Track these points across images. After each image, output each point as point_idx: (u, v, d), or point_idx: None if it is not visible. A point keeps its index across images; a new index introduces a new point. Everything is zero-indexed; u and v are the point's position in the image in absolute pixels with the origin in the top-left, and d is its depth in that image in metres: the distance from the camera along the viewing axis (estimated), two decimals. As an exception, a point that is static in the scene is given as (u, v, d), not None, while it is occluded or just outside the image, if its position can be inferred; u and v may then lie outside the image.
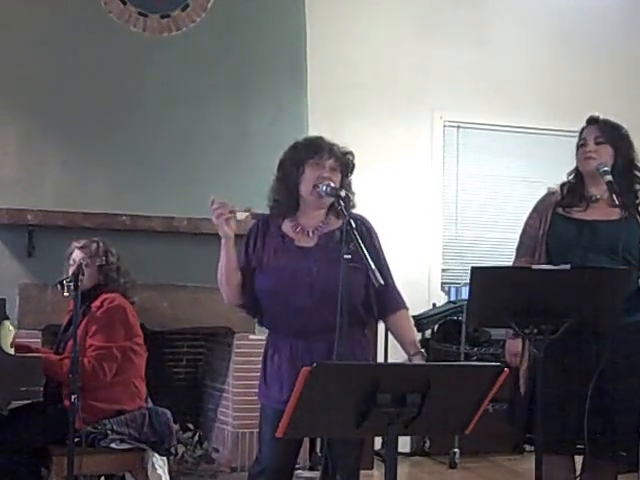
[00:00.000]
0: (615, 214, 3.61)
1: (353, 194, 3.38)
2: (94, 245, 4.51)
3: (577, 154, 3.73)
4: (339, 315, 2.98)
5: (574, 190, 3.72)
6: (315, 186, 3.28)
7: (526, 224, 3.82)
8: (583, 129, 3.75)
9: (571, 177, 3.78)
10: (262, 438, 3.42)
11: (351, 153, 3.42)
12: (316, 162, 3.30)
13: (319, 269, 3.24)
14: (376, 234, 3.43)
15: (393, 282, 3.41)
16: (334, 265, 3.10)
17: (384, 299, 3.34)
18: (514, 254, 3.87)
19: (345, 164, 3.38)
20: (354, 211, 3.32)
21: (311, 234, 3.35)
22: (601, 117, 3.73)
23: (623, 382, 3.53)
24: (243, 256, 3.41)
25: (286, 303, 3.25)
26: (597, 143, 3.66)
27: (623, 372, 3.54)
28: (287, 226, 3.39)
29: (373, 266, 3.00)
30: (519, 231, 3.90)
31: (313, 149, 3.33)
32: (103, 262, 4.47)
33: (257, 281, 3.35)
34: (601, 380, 3.49)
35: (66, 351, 4.40)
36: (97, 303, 4.38)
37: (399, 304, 3.42)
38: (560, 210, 3.70)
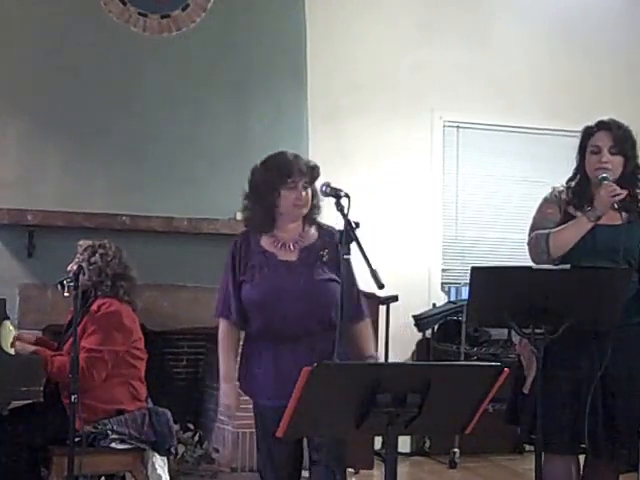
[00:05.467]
0: (616, 219, 3.59)
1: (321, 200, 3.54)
2: (84, 246, 4.50)
3: (587, 159, 3.67)
4: (339, 316, 3.12)
5: (581, 193, 3.69)
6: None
7: (544, 212, 3.71)
8: (591, 131, 3.68)
9: (575, 181, 3.74)
10: (262, 437, 3.54)
11: (316, 166, 3.55)
12: (290, 186, 3.47)
13: (305, 282, 3.43)
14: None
15: (359, 293, 3.56)
16: (315, 278, 3.40)
17: (350, 309, 3.42)
18: (528, 234, 3.72)
19: (313, 178, 3.52)
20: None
21: (292, 248, 3.52)
22: (613, 122, 3.66)
23: (624, 382, 3.53)
24: (231, 273, 3.55)
25: (273, 313, 3.43)
26: (612, 154, 3.62)
27: (624, 372, 3.54)
28: (266, 241, 3.54)
29: (374, 267, 3.05)
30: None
31: (286, 173, 3.47)
32: (81, 263, 4.41)
33: (245, 294, 3.50)
34: (602, 380, 3.49)
35: (64, 350, 4.41)
36: (94, 307, 4.37)
37: (362, 314, 3.58)
38: (571, 210, 3.67)
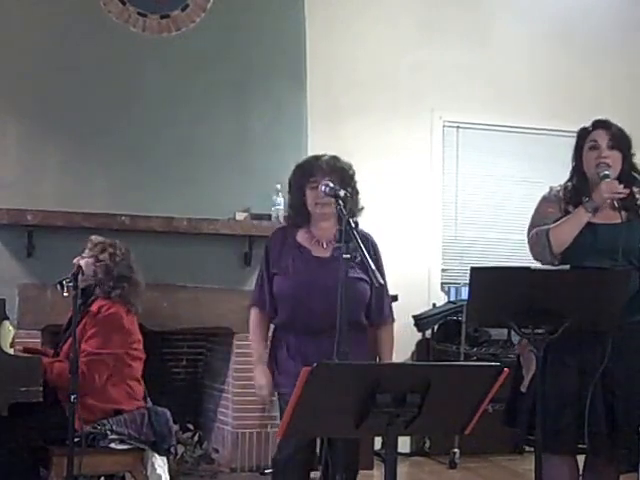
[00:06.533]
0: (616, 218, 3.60)
1: (358, 201, 3.65)
2: (95, 241, 4.51)
3: (584, 157, 3.67)
4: (339, 316, 3.17)
5: (579, 193, 3.68)
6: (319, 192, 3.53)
7: (544, 210, 3.71)
8: (589, 131, 3.69)
9: (572, 181, 3.74)
10: None
11: (345, 168, 3.67)
12: (312, 185, 3.60)
13: (335, 278, 3.41)
14: (379, 251, 3.70)
15: (389, 298, 3.73)
16: (347, 274, 3.38)
17: (377, 311, 3.68)
18: (527, 233, 3.72)
19: (341, 177, 3.61)
20: (361, 225, 3.48)
21: (325, 245, 3.66)
22: (609, 121, 3.67)
23: (624, 381, 3.53)
24: (265, 265, 3.72)
25: (301, 306, 3.56)
26: (609, 148, 3.62)
27: (625, 371, 3.54)
28: (302, 237, 3.69)
29: (373, 266, 3.17)
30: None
31: (309, 173, 3.64)
32: (88, 255, 4.43)
33: (277, 285, 3.64)
34: (603, 379, 3.50)
35: (61, 354, 4.41)
36: (94, 308, 4.36)
37: (386, 318, 3.76)
38: (571, 209, 3.67)
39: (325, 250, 3.65)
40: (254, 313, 3.75)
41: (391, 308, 3.79)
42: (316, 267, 3.60)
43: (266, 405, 3.75)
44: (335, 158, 3.69)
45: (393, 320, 3.80)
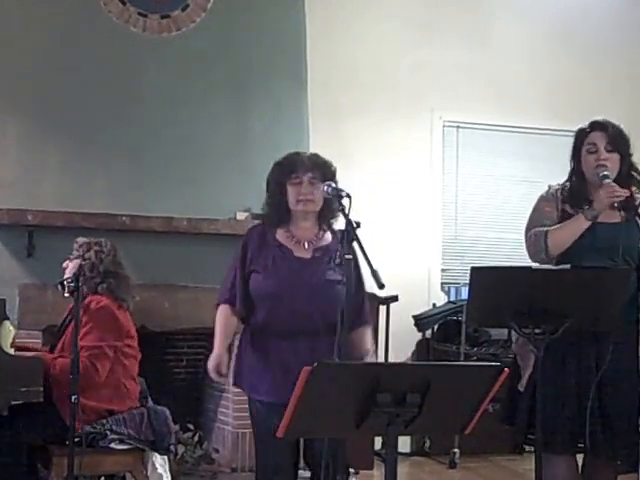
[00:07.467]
0: (615, 217, 3.61)
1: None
2: (80, 242, 4.52)
3: (583, 159, 3.68)
4: (339, 318, 3.11)
5: (577, 193, 3.69)
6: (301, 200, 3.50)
7: (541, 210, 3.72)
8: (587, 132, 3.69)
9: (571, 182, 3.74)
10: (259, 435, 3.54)
11: (327, 163, 3.58)
12: (294, 182, 3.52)
13: (317, 280, 3.45)
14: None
15: (364, 300, 3.59)
16: (327, 278, 3.42)
17: (355, 313, 3.43)
18: (525, 232, 3.73)
19: (323, 173, 3.53)
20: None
21: (307, 246, 3.56)
22: (607, 121, 3.68)
23: (623, 381, 3.54)
24: (240, 262, 3.58)
25: (280, 306, 3.46)
26: (608, 151, 3.63)
27: (623, 371, 3.54)
28: (282, 236, 3.58)
29: (374, 267, 3.09)
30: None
31: (290, 169, 3.54)
32: (75, 257, 4.44)
33: (255, 284, 3.53)
34: (602, 379, 3.50)
35: (56, 350, 4.41)
36: (86, 302, 4.36)
37: (365, 321, 3.61)
38: (567, 208, 3.68)
39: (306, 251, 3.54)
40: (223, 308, 3.62)
41: (369, 311, 3.65)
42: (298, 267, 3.50)
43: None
44: (316, 155, 3.61)
45: (370, 324, 3.65)
